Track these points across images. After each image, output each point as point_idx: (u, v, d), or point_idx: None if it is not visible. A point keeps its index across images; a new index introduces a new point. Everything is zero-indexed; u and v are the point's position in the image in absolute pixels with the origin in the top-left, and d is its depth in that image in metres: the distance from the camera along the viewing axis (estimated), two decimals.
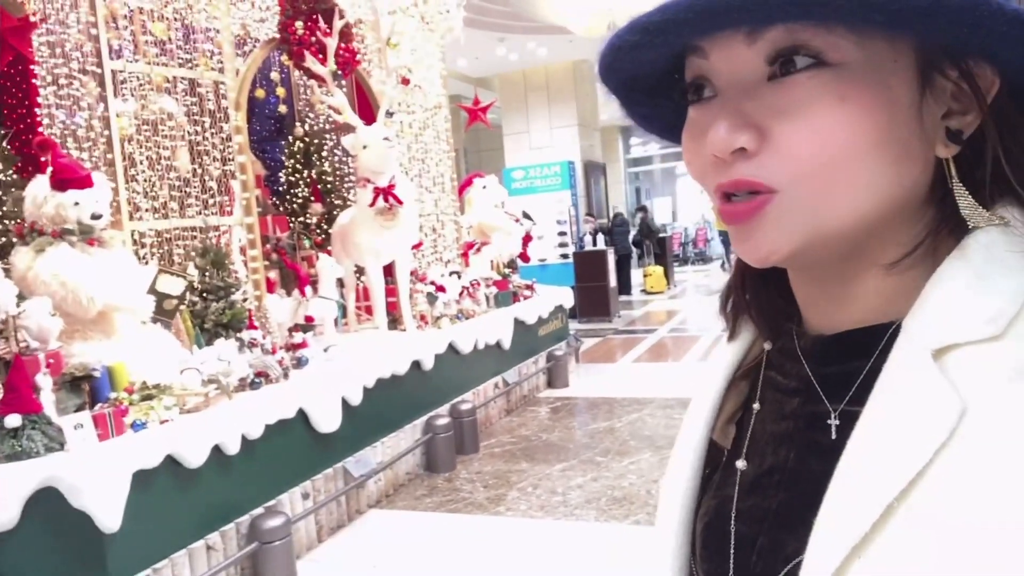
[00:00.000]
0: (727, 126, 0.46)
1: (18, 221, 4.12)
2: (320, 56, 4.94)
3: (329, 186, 6.90)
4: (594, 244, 11.22)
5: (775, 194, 0.47)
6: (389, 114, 5.06)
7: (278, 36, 5.08)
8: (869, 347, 0.49)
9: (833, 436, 0.50)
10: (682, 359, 7.90)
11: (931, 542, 0.39)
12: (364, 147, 4.86)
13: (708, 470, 0.61)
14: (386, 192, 4.97)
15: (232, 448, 3.26)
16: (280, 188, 6.61)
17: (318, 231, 6.75)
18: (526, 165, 13.15)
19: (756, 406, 0.58)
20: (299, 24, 4.97)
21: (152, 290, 3.64)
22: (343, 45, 5.18)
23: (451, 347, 5.26)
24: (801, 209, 0.47)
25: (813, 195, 0.46)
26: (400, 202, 4.99)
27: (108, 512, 2.69)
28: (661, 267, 13.86)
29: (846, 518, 0.43)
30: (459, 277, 6.16)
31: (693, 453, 0.61)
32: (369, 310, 5.95)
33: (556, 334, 7.22)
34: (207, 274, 4.25)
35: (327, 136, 7.02)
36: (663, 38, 0.46)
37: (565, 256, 12.18)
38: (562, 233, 12.58)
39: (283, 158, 6.65)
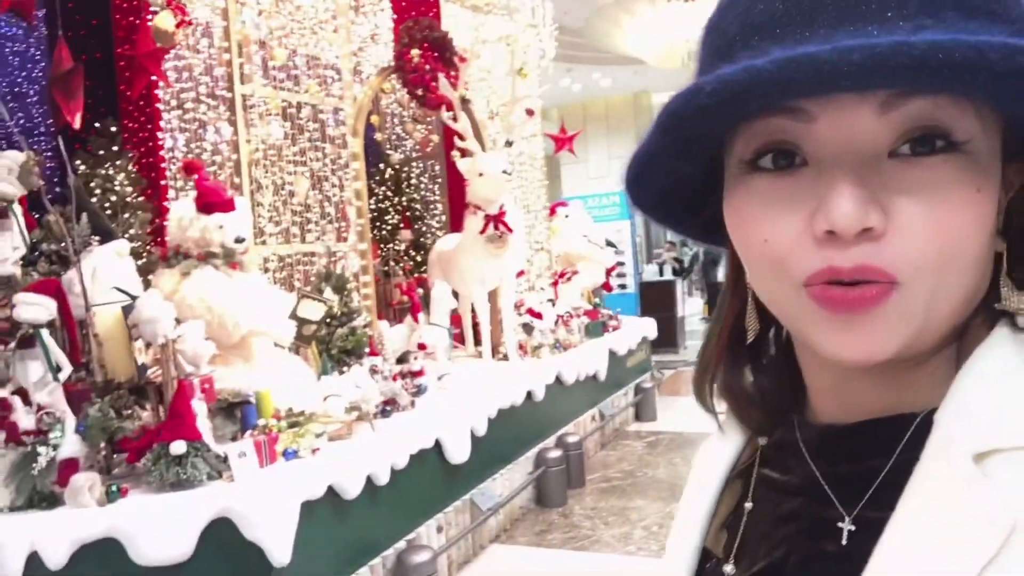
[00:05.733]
0: (857, 200, 0.40)
1: (152, 242, 4.14)
2: (435, 84, 4.93)
3: (417, 213, 6.91)
4: (660, 274, 11.09)
5: (896, 285, 0.41)
6: (509, 143, 5.02)
7: (393, 64, 5.10)
8: (889, 442, 0.44)
9: (844, 542, 0.44)
10: None
11: None
12: (480, 175, 4.83)
13: None
14: (497, 219, 4.93)
15: (383, 478, 3.18)
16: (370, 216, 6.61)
17: (407, 258, 6.75)
18: (584, 195, 13.11)
19: (748, 505, 0.52)
20: (415, 52, 4.98)
21: (293, 315, 3.60)
22: (453, 74, 5.19)
23: (556, 378, 5.16)
24: (918, 303, 0.42)
25: (932, 289, 0.42)
26: (511, 230, 4.95)
27: (280, 544, 2.61)
28: None
29: None
30: (553, 305, 6.08)
31: (685, 566, 0.55)
32: (459, 337, 5.89)
33: (640, 366, 7.10)
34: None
35: (415, 164, 7.04)
36: (736, 107, 0.39)
37: (623, 286, 12.05)
38: (620, 263, 12.46)
39: (373, 186, 6.66)
